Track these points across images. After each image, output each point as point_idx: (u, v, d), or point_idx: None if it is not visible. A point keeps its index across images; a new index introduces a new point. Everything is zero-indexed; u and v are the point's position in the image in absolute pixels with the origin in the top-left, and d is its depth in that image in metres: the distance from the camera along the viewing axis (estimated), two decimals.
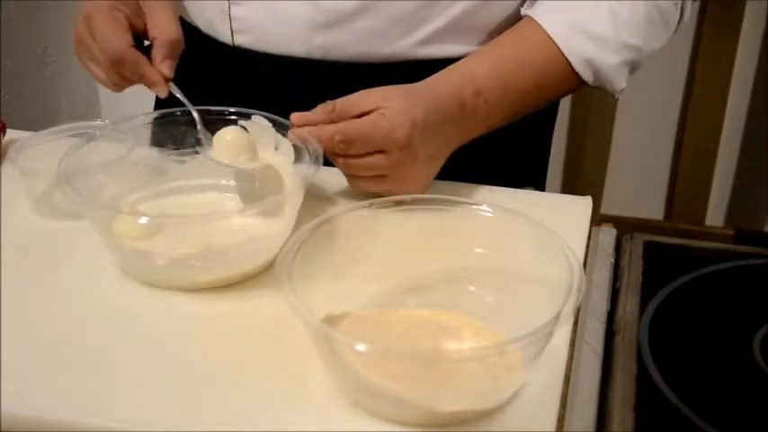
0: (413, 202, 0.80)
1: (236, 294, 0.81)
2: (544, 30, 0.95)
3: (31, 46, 2.04)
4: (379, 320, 0.75)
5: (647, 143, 1.98)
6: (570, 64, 0.95)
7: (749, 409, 0.75)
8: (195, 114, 0.91)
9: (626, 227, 0.97)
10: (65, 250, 0.86)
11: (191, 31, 1.05)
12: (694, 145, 1.94)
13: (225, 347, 0.75)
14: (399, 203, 0.80)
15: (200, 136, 0.91)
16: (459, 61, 0.95)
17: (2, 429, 0.68)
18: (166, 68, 0.92)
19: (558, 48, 0.95)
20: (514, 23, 1.01)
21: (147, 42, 0.95)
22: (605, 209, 1.98)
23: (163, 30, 0.92)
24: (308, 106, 0.88)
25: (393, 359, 0.67)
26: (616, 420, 0.72)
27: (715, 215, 2.00)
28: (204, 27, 1.04)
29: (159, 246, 0.81)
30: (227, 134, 0.88)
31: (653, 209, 2.01)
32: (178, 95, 0.92)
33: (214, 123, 0.92)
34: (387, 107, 0.86)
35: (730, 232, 0.97)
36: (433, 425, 0.68)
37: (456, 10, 0.98)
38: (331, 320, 0.72)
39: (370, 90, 0.88)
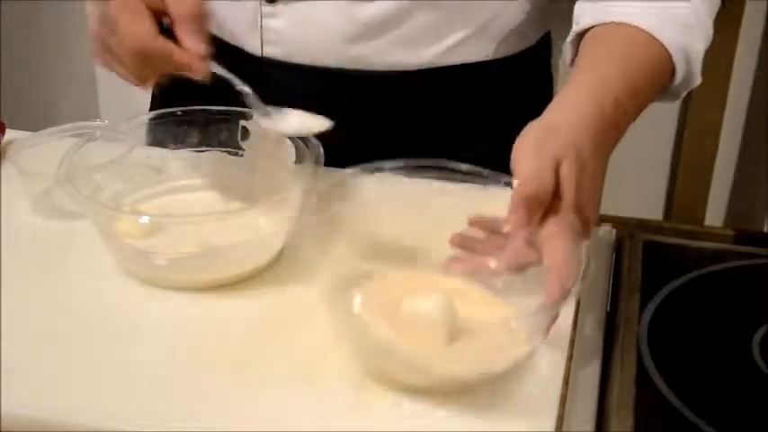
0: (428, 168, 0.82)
1: (237, 294, 0.81)
2: (637, 27, 0.88)
3: (31, 46, 2.03)
4: (390, 282, 0.77)
5: (646, 143, 1.97)
6: (670, 55, 0.88)
7: (748, 409, 0.75)
8: (246, 89, 0.86)
9: (625, 227, 0.97)
10: (65, 250, 0.86)
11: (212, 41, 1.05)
12: (694, 145, 1.94)
13: (225, 347, 0.75)
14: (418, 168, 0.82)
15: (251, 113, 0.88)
16: (582, 76, 0.86)
17: (2, 429, 0.68)
18: (197, 44, 0.82)
19: (658, 40, 0.88)
20: (531, 25, 1.03)
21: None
22: (605, 209, 1.97)
23: (182, 3, 0.82)
24: (334, 116, 0.86)
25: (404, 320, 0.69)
26: (615, 420, 0.72)
27: (714, 215, 1.99)
28: (228, 37, 1.03)
29: (159, 245, 0.81)
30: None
31: (652, 209, 2.00)
32: (220, 72, 0.85)
33: (216, 123, 0.92)
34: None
35: (730, 232, 0.97)
36: (442, 388, 0.70)
37: (485, 14, 0.99)
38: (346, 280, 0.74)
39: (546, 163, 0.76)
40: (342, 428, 0.68)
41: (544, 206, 0.74)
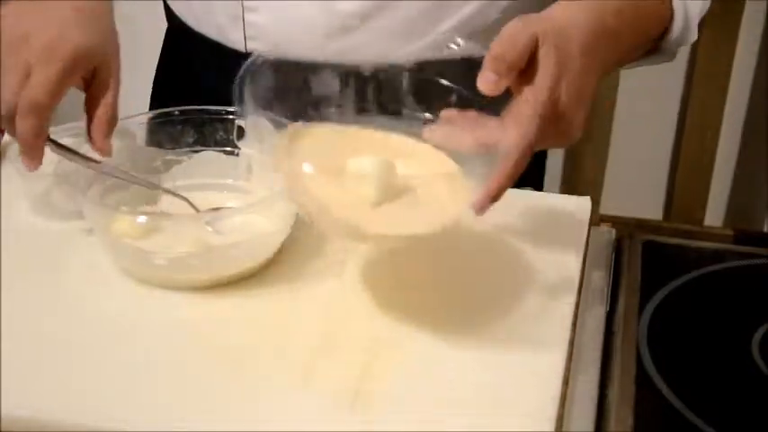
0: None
1: (237, 294, 0.81)
2: None
3: None
4: (338, 138, 0.78)
5: (646, 143, 1.98)
6: (669, 7, 0.89)
7: (748, 409, 0.75)
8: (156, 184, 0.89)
9: (625, 227, 0.97)
10: (64, 250, 0.86)
11: (194, 37, 1.05)
12: (693, 145, 1.94)
13: (225, 347, 0.75)
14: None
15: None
16: None
17: (2, 429, 0.68)
18: (104, 146, 0.84)
19: None
20: None
21: None
22: (604, 209, 1.97)
23: (110, 109, 0.85)
24: (320, 110, 0.86)
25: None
26: (615, 420, 0.72)
27: (714, 215, 1.99)
28: (212, 33, 1.04)
29: (159, 245, 0.81)
30: None
31: (652, 209, 2.01)
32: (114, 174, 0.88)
33: (212, 123, 0.92)
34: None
35: (729, 232, 0.98)
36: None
37: (468, 9, 0.99)
38: (295, 135, 0.76)
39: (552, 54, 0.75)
40: (341, 428, 0.68)
41: (513, 70, 0.74)
